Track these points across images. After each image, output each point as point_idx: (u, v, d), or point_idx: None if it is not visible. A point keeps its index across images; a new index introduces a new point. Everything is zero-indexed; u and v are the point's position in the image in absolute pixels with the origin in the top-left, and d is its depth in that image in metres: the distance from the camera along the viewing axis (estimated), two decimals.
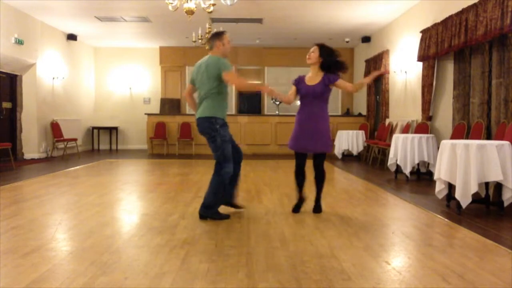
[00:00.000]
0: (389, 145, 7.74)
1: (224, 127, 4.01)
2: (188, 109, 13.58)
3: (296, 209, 4.39)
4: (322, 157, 4.32)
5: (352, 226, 3.84)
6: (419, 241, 3.47)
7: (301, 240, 3.41)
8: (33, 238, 3.43)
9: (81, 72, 12.70)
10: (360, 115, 12.35)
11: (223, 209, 4.18)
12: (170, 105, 13.36)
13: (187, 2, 6.75)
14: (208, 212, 4.05)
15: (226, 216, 4.08)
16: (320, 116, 4.23)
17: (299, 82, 4.32)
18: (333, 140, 11.42)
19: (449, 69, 7.45)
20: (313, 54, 4.25)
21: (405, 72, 9.13)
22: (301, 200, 4.42)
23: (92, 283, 2.48)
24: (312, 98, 4.23)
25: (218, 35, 4.13)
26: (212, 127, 3.97)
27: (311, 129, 4.21)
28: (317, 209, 4.38)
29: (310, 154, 4.31)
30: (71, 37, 11.70)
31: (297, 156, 4.34)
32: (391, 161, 7.06)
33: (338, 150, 10.75)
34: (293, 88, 4.36)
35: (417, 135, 6.78)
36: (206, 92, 4.00)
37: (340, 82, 4.26)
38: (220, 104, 4.03)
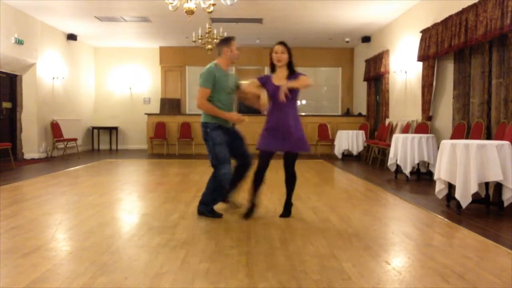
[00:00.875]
0: (389, 145, 7.74)
1: (215, 131, 4.04)
2: (188, 109, 13.60)
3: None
4: (295, 158, 4.18)
5: (352, 226, 3.85)
6: (419, 241, 3.47)
7: (301, 240, 3.40)
8: (33, 238, 3.42)
9: (81, 72, 12.70)
10: (360, 115, 12.35)
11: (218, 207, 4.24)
12: (170, 105, 13.36)
13: (187, 2, 6.75)
14: (204, 208, 4.18)
15: (219, 215, 4.14)
16: (296, 115, 4.09)
17: (266, 82, 4.13)
18: (332, 140, 11.43)
19: (449, 69, 7.45)
20: (284, 55, 4.08)
21: (405, 72, 9.13)
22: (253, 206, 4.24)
23: (92, 283, 2.48)
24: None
25: (226, 41, 4.16)
26: (205, 131, 4.08)
27: (287, 129, 4.02)
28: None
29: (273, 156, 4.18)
30: (71, 37, 11.70)
31: (264, 156, 4.15)
32: (391, 161, 7.06)
33: (338, 150, 10.75)
34: (256, 82, 4.16)
35: (417, 135, 6.78)
36: None
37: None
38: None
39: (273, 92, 4.04)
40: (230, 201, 4.39)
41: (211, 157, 4.08)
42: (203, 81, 4.01)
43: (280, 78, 4.10)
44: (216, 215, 4.14)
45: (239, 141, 4.24)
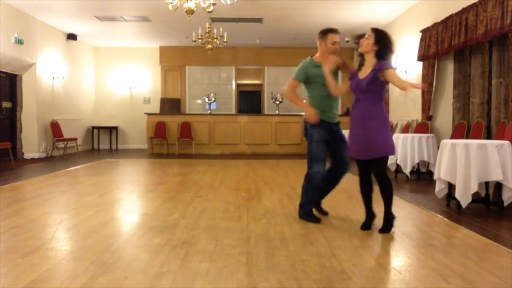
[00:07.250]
0: None
1: (316, 128, 3.87)
2: (188, 109, 13.60)
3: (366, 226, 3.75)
4: (380, 163, 3.61)
5: (352, 226, 3.84)
6: (419, 241, 3.47)
7: (301, 240, 3.40)
8: (33, 238, 3.42)
9: (81, 72, 12.70)
10: None
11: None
12: (170, 105, 13.35)
13: (187, 1, 6.74)
14: (301, 211, 4.03)
15: (317, 220, 3.91)
16: (369, 115, 3.56)
17: (352, 76, 3.72)
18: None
19: (449, 68, 7.46)
20: (367, 41, 3.55)
21: (405, 71, 9.13)
22: (370, 216, 3.76)
23: (92, 283, 2.48)
24: (359, 93, 3.60)
25: (321, 34, 3.86)
26: (305, 127, 3.97)
27: (360, 131, 3.66)
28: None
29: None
30: (71, 36, 11.69)
31: (357, 162, 3.76)
32: (391, 160, 7.05)
33: None
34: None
35: (417, 135, 6.78)
36: None
37: (390, 72, 3.41)
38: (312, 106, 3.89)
39: (352, 87, 3.70)
40: (319, 207, 4.17)
41: (307, 152, 3.93)
42: (294, 73, 3.93)
43: (364, 70, 3.61)
44: (313, 219, 3.90)
45: (340, 142, 4.00)
